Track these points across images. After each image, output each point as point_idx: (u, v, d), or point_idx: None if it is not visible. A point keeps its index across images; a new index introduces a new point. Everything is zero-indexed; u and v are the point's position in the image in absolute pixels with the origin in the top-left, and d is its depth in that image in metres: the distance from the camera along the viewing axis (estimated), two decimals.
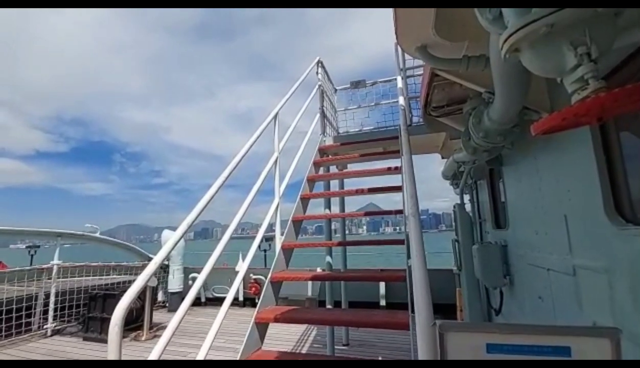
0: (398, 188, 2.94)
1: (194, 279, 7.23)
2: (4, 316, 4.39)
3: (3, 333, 4.43)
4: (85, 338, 4.72)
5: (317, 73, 4.36)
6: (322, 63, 4.43)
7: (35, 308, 4.82)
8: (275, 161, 2.72)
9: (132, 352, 4.44)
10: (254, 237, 2.41)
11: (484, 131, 2.47)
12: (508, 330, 0.83)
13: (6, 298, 4.43)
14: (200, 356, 1.61)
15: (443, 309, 5.42)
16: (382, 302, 6.10)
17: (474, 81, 2.38)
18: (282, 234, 2.70)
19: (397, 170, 3.17)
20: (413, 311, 1.05)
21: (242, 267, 2.07)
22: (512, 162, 3.07)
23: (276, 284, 2.44)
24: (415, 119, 4.14)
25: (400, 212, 2.72)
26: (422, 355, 0.85)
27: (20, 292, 4.72)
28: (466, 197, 5.11)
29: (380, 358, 4.15)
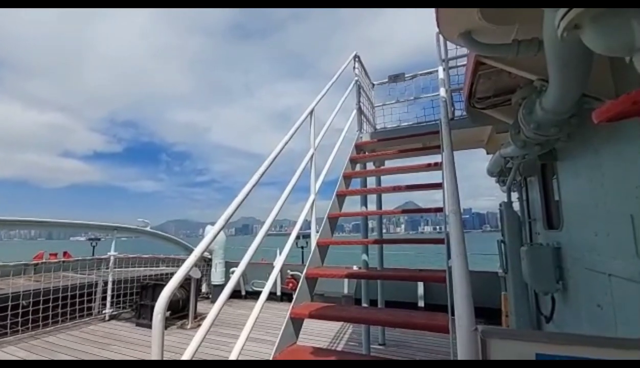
0: (438, 186, 2.81)
1: (234, 273, 7.62)
2: (68, 300, 4.89)
3: (68, 316, 4.94)
4: (137, 324, 5.11)
5: (354, 68, 4.29)
6: (359, 57, 4.36)
7: (95, 295, 5.31)
8: (311, 157, 2.72)
9: (179, 339, 4.72)
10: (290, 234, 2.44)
11: (536, 123, 2.27)
12: (562, 340, 0.73)
13: (71, 285, 4.93)
14: (238, 346, 1.64)
15: (486, 314, 5.12)
16: (421, 303, 5.91)
17: (524, 68, 2.19)
18: (317, 231, 2.70)
19: (437, 166, 3.02)
20: (453, 314, 0.99)
21: (277, 262, 2.10)
22: (568, 156, 2.80)
23: (311, 280, 2.44)
24: (457, 112, 3.93)
25: (440, 210, 2.59)
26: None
27: (82, 279, 5.23)
28: (514, 195, 4.76)
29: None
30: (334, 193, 3.11)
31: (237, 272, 1.74)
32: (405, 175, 3.46)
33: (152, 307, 5.12)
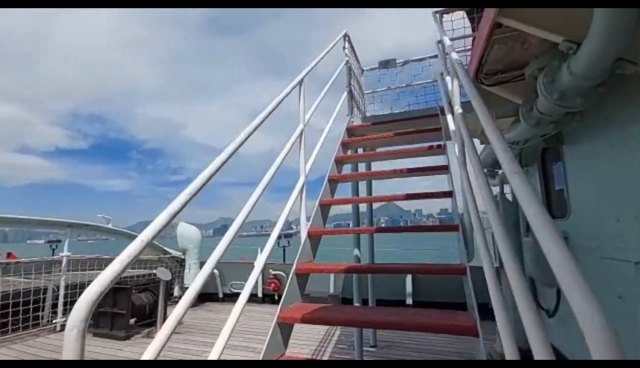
0: (444, 168, 2.50)
1: (211, 275, 7.06)
2: (10, 309, 4.16)
3: (9, 327, 4.19)
4: (95, 334, 4.46)
5: (343, 48, 3.94)
6: (348, 37, 4.00)
7: (44, 302, 4.59)
8: (301, 134, 2.32)
9: (145, 349, 4.15)
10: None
11: (560, 92, 2.00)
12: None
13: (13, 291, 4.19)
14: (214, 355, 1.25)
15: (479, 309, 4.91)
16: (409, 301, 5.66)
17: (549, 28, 1.90)
18: (308, 220, 2.31)
19: (440, 148, 2.71)
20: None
21: (259, 260, 1.69)
22: (578, 138, 2.56)
23: (302, 276, 2.04)
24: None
25: (448, 194, 2.28)
26: None
27: (28, 284, 4.51)
28: (507, 188, 4.60)
29: None
30: (326, 178, 2.73)
31: (205, 269, 1.32)
32: (401, 161, 3.15)
33: (113, 314, 4.47)
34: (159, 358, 1.01)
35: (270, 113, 1.92)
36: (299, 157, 2.37)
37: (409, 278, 5.76)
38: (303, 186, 2.29)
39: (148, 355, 1.03)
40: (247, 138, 1.64)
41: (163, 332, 1.07)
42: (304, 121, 2.40)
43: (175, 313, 1.11)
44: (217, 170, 1.35)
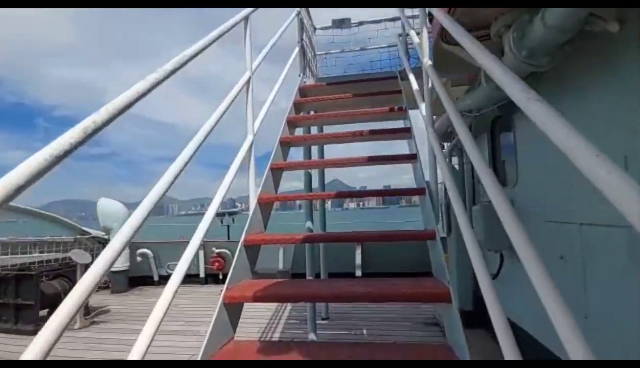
0: (406, 130, 2.32)
1: (143, 256, 6.36)
2: None
3: None
4: None
5: None
6: None
7: None
8: (248, 82, 1.93)
9: (64, 343, 3.56)
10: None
11: (529, 49, 1.91)
12: None
13: None
14: (143, 341, 0.91)
15: (419, 276, 5.15)
16: (358, 273, 5.70)
17: None
18: (258, 186, 1.99)
19: (401, 111, 2.53)
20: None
21: (196, 234, 1.31)
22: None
23: (252, 249, 1.74)
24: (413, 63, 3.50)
25: (412, 157, 2.11)
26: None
27: None
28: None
29: (364, 332, 3.72)
30: (277, 139, 2.40)
31: (115, 242, 0.93)
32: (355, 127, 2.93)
33: (18, 306, 3.73)
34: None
35: (200, 51, 1.47)
36: (245, 111, 2.00)
37: (358, 250, 5.78)
38: (251, 145, 1.94)
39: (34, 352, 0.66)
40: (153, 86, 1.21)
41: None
42: (252, 68, 2.01)
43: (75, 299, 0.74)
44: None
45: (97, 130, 0.80)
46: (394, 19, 4.11)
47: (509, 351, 0.71)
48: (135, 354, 0.90)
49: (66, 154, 0.70)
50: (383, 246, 5.74)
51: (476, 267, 0.90)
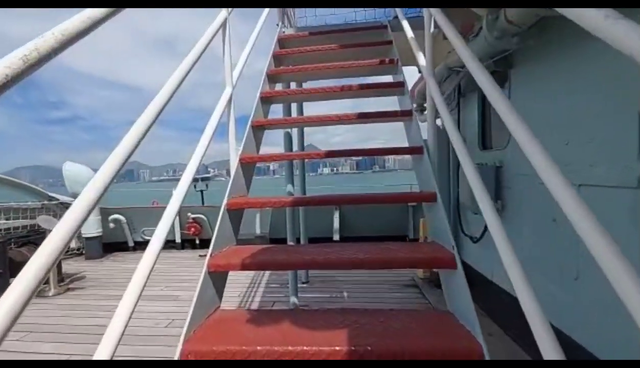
0: (399, 84, 2.16)
1: (115, 222, 6.08)
2: None
3: None
4: None
5: None
6: None
7: None
8: (224, 24, 1.67)
9: (39, 310, 3.43)
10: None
11: (501, 30, 1.75)
12: None
13: None
14: (126, 306, 0.80)
15: (398, 240, 5.28)
16: (336, 237, 5.75)
17: None
18: (240, 146, 1.80)
19: (392, 63, 2.34)
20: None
21: (174, 199, 1.15)
22: (533, 58, 2.40)
23: (236, 213, 1.60)
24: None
25: (407, 114, 1.97)
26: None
27: None
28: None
29: (345, 295, 3.78)
30: (257, 94, 2.17)
31: (79, 202, 0.76)
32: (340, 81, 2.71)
33: None
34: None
35: None
36: (223, 59, 1.75)
37: (336, 214, 5.78)
38: (231, 98, 1.72)
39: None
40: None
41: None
42: (228, 10, 1.73)
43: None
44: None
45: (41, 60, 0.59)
46: None
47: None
48: (117, 320, 0.80)
49: None
50: (360, 210, 5.77)
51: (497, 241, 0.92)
